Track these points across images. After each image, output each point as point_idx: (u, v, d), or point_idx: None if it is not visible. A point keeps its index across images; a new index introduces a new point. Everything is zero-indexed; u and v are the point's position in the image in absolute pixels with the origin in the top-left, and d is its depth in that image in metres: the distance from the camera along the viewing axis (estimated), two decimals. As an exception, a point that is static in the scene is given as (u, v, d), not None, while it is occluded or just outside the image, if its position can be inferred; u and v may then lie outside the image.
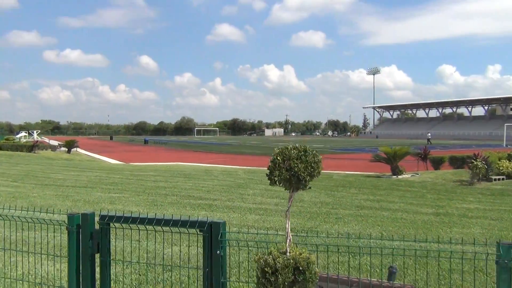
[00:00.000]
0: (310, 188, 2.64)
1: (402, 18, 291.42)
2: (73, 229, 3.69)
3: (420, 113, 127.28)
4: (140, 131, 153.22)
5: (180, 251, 4.03)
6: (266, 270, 2.42)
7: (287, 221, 2.69)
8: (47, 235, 4.61)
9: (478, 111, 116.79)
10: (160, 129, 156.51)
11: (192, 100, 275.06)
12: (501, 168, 14.96)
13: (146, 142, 66.20)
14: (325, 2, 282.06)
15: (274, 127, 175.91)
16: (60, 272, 4.92)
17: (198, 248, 5.01)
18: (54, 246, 4.85)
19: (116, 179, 15.88)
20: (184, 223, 3.39)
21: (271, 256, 2.48)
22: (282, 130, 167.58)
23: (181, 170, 19.97)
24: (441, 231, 7.99)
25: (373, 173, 19.53)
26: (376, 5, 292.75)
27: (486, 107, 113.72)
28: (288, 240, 2.64)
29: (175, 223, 3.41)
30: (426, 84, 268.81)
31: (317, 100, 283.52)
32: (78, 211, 3.86)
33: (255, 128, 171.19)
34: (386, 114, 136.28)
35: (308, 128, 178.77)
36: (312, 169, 2.46)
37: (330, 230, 7.91)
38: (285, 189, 2.72)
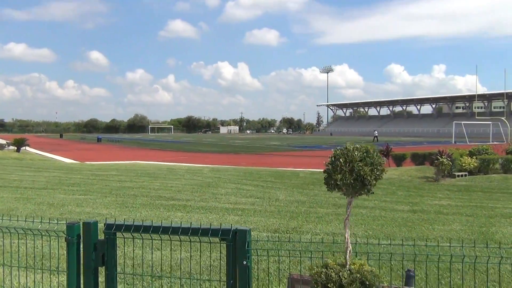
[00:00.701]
0: (373, 193, 2.39)
1: (353, 18, 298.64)
2: (73, 240, 3.28)
3: (372, 111, 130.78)
4: (91, 128, 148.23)
5: (200, 263, 3.69)
6: (330, 286, 2.15)
7: (347, 230, 2.42)
8: (34, 245, 4.13)
9: (427, 109, 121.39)
10: (112, 127, 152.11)
11: (145, 97, 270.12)
12: (463, 164, 15.38)
13: (99, 140, 64.05)
14: (279, 0, 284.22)
15: (229, 124, 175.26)
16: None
17: (217, 258, 4.67)
18: (43, 257, 4.38)
19: (77, 179, 15.07)
20: (205, 232, 3.08)
21: (333, 270, 2.21)
22: (237, 127, 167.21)
23: (143, 169, 19.29)
24: (424, 229, 8.01)
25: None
26: (328, 4, 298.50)
27: (434, 105, 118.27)
28: (348, 251, 2.38)
29: (194, 231, 3.09)
30: (376, 83, 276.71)
31: (271, 98, 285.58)
32: (74, 219, 3.45)
33: (210, 126, 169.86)
34: (339, 112, 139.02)
35: (263, 125, 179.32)
36: (378, 172, 2.22)
37: (314, 230, 7.76)
38: (341, 194, 2.46)
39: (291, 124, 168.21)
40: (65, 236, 3.30)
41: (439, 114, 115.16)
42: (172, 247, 3.43)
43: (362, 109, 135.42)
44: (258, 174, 17.84)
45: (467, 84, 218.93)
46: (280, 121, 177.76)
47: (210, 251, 4.76)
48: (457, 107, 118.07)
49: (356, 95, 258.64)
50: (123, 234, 3.24)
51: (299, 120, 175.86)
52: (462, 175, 15.33)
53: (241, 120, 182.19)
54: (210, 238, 3.05)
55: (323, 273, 2.23)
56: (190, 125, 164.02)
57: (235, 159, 30.22)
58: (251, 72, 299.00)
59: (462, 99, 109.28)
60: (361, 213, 9.49)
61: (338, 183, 2.27)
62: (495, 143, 53.07)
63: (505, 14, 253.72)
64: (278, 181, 15.27)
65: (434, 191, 13.02)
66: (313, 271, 2.32)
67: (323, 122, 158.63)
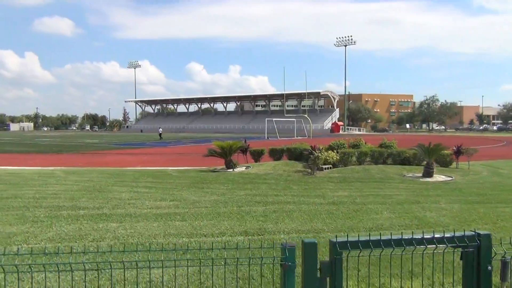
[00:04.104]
0: None
1: (152, 14, 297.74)
2: (292, 265, 2.67)
3: (181, 108, 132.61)
4: None
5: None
6: None
7: None
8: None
9: (230, 106, 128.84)
10: None
11: None
12: (328, 158, 16.99)
13: None
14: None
15: (21, 121, 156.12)
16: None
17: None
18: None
19: None
20: (449, 240, 2.86)
21: None
22: (31, 124, 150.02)
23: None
24: (365, 219, 8.68)
25: (204, 167, 19.54)
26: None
27: (238, 103, 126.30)
28: None
29: (428, 241, 2.84)
30: (177, 80, 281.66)
31: (66, 92, 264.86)
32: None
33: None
34: (148, 109, 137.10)
35: (63, 122, 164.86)
36: None
37: (284, 230, 7.69)
38: None
39: (96, 121, 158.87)
40: (282, 262, 2.65)
41: (243, 112, 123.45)
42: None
43: (171, 106, 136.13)
44: (127, 175, 16.52)
45: (259, 83, 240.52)
46: (83, 117, 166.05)
47: (454, 259, 4.34)
48: (257, 105, 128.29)
49: (158, 92, 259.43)
50: (352, 252, 2.77)
51: (104, 117, 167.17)
52: (328, 168, 16.92)
53: (36, 116, 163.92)
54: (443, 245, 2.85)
55: None
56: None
57: (66, 159, 27.26)
58: (41, 64, 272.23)
59: (263, 98, 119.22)
60: (289, 208, 9.71)
61: None
62: (299, 138, 59.77)
63: (287, 22, 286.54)
64: (163, 181, 14.45)
65: (320, 183, 14.08)
66: None
67: (129, 118, 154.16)
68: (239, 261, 2.92)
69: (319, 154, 15.97)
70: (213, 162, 20.63)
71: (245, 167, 18.71)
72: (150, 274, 4.42)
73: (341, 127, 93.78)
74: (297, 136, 63.80)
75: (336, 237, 2.72)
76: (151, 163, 24.30)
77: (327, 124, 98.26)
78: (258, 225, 8.02)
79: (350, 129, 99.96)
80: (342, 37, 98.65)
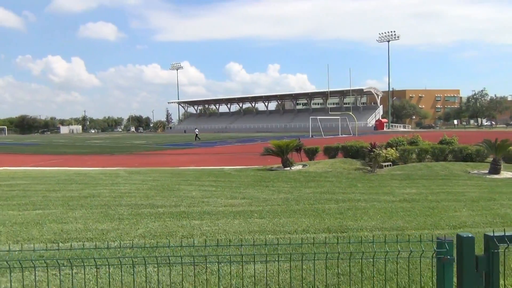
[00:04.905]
0: None
1: (192, 17, 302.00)
2: (451, 259, 2.68)
3: (222, 108, 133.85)
4: None
5: None
6: None
7: None
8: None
9: (270, 106, 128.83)
10: None
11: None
12: (387, 155, 16.75)
13: None
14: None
15: (70, 124, 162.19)
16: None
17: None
18: None
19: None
20: None
21: None
22: (80, 127, 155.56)
23: (53, 176, 16.63)
24: (445, 216, 8.52)
25: (259, 166, 19.69)
26: (166, 1, 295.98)
27: (280, 102, 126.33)
28: None
29: None
30: (217, 80, 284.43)
31: (111, 95, 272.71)
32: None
33: (49, 126, 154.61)
34: (190, 109, 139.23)
35: (109, 124, 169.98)
36: None
37: (366, 227, 7.66)
38: None
39: (140, 122, 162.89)
40: (440, 255, 2.68)
41: (285, 111, 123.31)
42: None
43: (212, 106, 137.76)
44: (188, 174, 16.88)
45: (298, 81, 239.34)
46: (128, 119, 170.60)
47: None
48: (297, 103, 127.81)
49: (198, 92, 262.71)
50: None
51: (148, 118, 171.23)
52: (387, 165, 16.69)
53: (84, 119, 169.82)
54: None
55: None
56: (24, 125, 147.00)
57: (122, 160, 28.15)
58: (87, 68, 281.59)
59: (304, 96, 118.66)
60: (357, 206, 9.67)
61: None
62: (344, 135, 59.15)
63: (326, 19, 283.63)
64: (225, 180, 14.67)
65: (384, 180, 13.91)
66: None
67: (172, 119, 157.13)
68: (388, 254, 2.97)
69: (380, 152, 15.78)
70: (267, 161, 20.80)
71: (301, 166, 18.72)
72: (254, 268, 4.53)
73: (385, 124, 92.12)
74: (341, 134, 63.18)
75: (493, 231, 2.71)
76: (203, 162, 24.70)
77: (371, 121, 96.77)
78: (337, 222, 8.02)
79: (395, 126, 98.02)
80: (385, 33, 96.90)
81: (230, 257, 5.26)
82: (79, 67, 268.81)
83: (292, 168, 18.16)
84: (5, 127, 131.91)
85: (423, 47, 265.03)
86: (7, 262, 3.21)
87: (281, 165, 18.71)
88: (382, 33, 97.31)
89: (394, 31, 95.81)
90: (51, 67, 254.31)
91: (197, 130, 68.17)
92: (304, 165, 18.79)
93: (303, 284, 4.84)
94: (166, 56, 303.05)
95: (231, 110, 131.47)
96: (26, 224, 8.08)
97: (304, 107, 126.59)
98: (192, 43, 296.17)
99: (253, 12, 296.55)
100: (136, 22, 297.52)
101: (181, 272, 5.05)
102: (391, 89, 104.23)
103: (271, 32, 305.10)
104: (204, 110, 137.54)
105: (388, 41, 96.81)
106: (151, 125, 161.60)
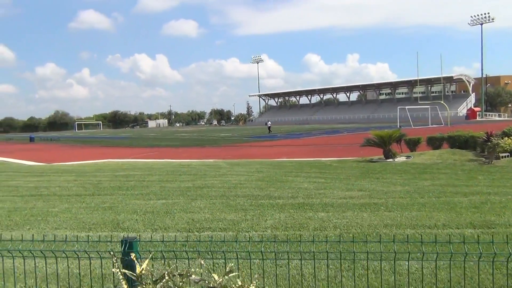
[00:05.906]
0: None
1: (269, 10, 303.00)
2: None
3: (302, 100, 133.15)
4: (7, 128, 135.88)
5: None
6: None
7: None
8: None
9: (352, 96, 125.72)
10: (31, 125, 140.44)
11: (58, 92, 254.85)
12: (504, 145, 15.44)
13: (32, 139, 58.56)
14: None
15: (156, 118, 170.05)
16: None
17: None
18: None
19: (110, 182, 13.04)
20: None
21: None
22: (166, 121, 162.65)
23: (159, 167, 17.32)
24: None
25: (358, 157, 19.08)
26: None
27: (362, 92, 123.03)
28: None
29: None
30: (295, 72, 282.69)
31: (193, 90, 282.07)
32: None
33: (138, 120, 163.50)
34: (271, 102, 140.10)
35: (193, 118, 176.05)
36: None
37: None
38: None
39: (222, 116, 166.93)
40: None
41: (367, 101, 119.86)
42: None
43: (293, 98, 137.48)
44: (288, 166, 16.73)
45: (379, 71, 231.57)
46: (210, 113, 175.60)
47: None
48: (380, 93, 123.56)
49: (277, 85, 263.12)
50: None
51: (229, 111, 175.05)
52: (505, 156, 15.39)
53: (169, 113, 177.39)
54: None
55: None
56: (116, 120, 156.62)
57: (214, 152, 28.75)
58: (170, 64, 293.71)
59: (388, 86, 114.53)
60: (491, 199, 8.86)
61: None
62: (434, 125, 56.19)
63: (407, 5, 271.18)
64: (330, 172, 14.34)
65: (508, 172, 12.82)
66: None
67: (252, 112, 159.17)
68: None
69: (499, 141, 14.56)
70: (361, 153, 20.07)
71: (405, 157, 17.86)
72: (408, 264, 4.17)
73: (477, 113, 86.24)
74: (431, 124, 60.09)
75: None
76: (294, 154, 24.45)
77: (462, 110, 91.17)
78: (478, 217, 7.39)
79: (489, 115, 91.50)
80: (478, 15, 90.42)
81: (381, 254, 4.99)
82: (163, 64, 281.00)
83: (395, 159, 17.37)
84: (100, 122, 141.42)
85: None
86: (162, 253, 3.15)
87: (382, 156, 17.97)
88: (474, 16, 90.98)
89: (488, 13, 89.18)
90: (138, 64, 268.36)
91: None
92: (408, 157, 17.91)
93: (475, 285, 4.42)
94: (245, 50, 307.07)
95: (311, 102, 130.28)
96: (157, 213, 8.34)
97: (387, 97, 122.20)
98: (269, 36, 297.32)
99: (329, 2, 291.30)
100: (216, 18, 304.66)
101: (326, 267, 4.83)
102: (484, 76, 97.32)
103: (348, 21, 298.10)
104: (285, 102, 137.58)
105: (481, 24, 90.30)
106: (232, 118, 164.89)
